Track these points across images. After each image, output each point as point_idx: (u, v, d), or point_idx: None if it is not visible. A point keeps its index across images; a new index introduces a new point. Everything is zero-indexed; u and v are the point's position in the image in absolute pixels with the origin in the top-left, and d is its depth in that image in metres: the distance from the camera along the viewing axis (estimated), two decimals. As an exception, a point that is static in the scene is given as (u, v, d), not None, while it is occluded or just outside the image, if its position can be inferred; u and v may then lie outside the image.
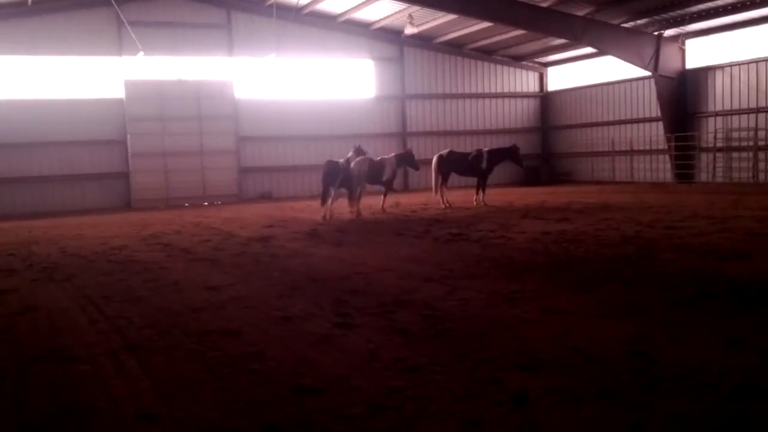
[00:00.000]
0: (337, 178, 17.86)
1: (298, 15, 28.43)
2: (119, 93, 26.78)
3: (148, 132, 26.87)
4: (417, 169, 21.41)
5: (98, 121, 26.49)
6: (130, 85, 26.73)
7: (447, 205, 19.61)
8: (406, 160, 20.20)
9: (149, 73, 27.17)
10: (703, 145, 25.81)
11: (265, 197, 28.59)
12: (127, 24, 25.43)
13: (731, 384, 4.26)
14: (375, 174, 19.11)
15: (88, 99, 26.50)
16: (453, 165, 20.42)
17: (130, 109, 26.66)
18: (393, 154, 20.27)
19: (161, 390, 4.64)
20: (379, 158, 19.83)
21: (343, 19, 29.09)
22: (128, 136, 26.75)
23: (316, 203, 23.09)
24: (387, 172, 19.32)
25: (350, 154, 19.30)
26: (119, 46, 26.51)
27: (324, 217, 17.38)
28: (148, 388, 4.71)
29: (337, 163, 18.22)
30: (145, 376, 4.98)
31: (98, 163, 26.68)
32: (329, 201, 17.76)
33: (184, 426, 4.01)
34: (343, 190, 18.34)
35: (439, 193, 19.98)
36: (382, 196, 19.78)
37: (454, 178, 21.67)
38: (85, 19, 26.20)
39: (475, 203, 19.81)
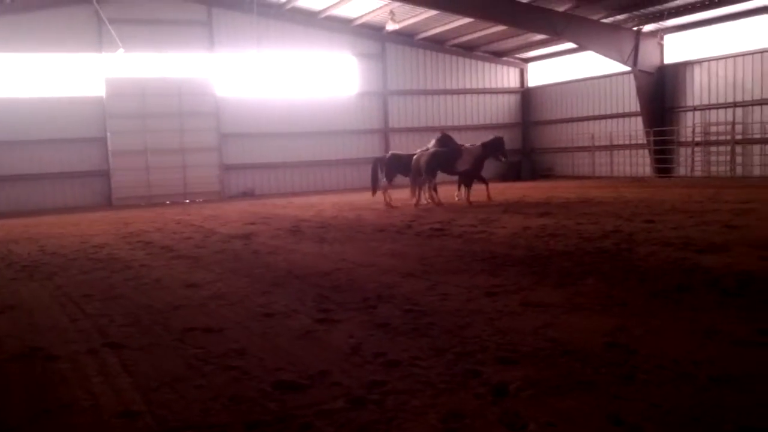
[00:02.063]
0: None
1: (279, 11, 28.38)
2: (99, 90, 26.59)
3: (129, 130, 26.73)
4: (506, 157, 20.64)
5: (78, 119, 26.32)
6: (110, 83, 26.56)
7: (428, 200, 19.63)
8: (496, 147, 19.55)
9: (130, 71, 27.00)
10: (682, 139, 26.10)
11: (248, 194, 28.53)
12: (106, 21, 25.25)
13: (707, 374, 4.32)
14: (444, 164, 18.95)
15: (68, 97, 26.32)
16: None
17: (110, 106, 26.51)
18: (480, 143, 19.85)
19: (142, 387, 4.63)
20: (461, 147, 19.65)
21: (324, 15, 29.06)
22: (108, 133, 26.58)
23: (299, 200, 23.28)
24: (465, 162, 18.94)
25: (432, 143, 19.60)
26: (99, 43, 26.34)
27: (428, 201, 18.97)
28: (130, 385, 4.70)
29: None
30: (127, 373, 4.96)
31: (78, 161, 26.50)
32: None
33: (165, 423, 4.00)
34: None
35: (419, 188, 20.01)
36: (460, 186, 19.49)
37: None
38: (65, 16, 26.01)
39: (456, 199, 19.85)
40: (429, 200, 19.07)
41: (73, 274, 9.72)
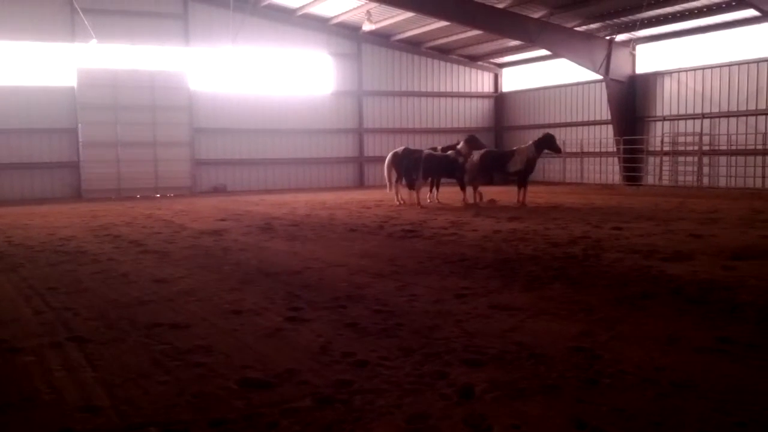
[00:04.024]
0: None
1: (255, 7, 28.21)
2: (71, 81, 26.19)
3: (100, 121, 26.35)
4: (559, 151, 20.35)
5: (49, 109, 25.90)
6: (82, 73, 26.16)
7: (401, 202, 19.69)
8: (547, 143, 19.13)
9: (102, 62, 26.64)
10: (651, 148, 26.47)
11: (219, 190, 28.32)
12: (80, 11, 24.89)
13: (669, 380, 4.40)
14: (496, 164, 18.77)
15: (39, 86, 25.88)
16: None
17: (81, 97, 26.11)
18: (531, 142, 19.32)
19: (106, 382, 4.58)
20: (512, 149, 19.42)
21: (301, 13, 28.98)
22: (79, 125, 26.19)
23: (271, 197, 23.18)
24: (517, 162, 18.57)
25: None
26: (72, 33, 25.96)
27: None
28: (93, 380, 4.65)
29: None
30: (91, 368, 4.91)
31: (48, 152, 26.08)
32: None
33: (128, 419, 3.97)
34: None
35: (393, 189, 20.04)
36: (518, 189, 18.85)
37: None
38: (37, 4, 25.56)
39: (428, 201, 19.92)
40: (464, 201, 18.73)
41: (39, 266, 9.59)
